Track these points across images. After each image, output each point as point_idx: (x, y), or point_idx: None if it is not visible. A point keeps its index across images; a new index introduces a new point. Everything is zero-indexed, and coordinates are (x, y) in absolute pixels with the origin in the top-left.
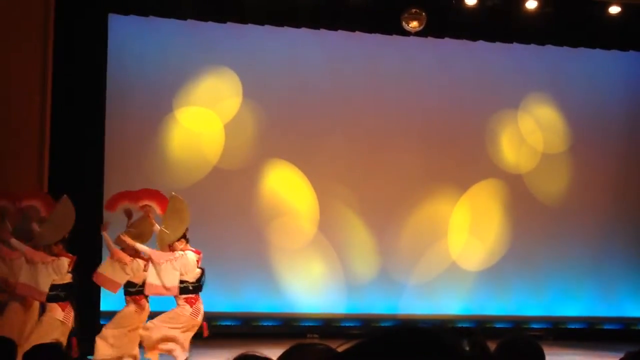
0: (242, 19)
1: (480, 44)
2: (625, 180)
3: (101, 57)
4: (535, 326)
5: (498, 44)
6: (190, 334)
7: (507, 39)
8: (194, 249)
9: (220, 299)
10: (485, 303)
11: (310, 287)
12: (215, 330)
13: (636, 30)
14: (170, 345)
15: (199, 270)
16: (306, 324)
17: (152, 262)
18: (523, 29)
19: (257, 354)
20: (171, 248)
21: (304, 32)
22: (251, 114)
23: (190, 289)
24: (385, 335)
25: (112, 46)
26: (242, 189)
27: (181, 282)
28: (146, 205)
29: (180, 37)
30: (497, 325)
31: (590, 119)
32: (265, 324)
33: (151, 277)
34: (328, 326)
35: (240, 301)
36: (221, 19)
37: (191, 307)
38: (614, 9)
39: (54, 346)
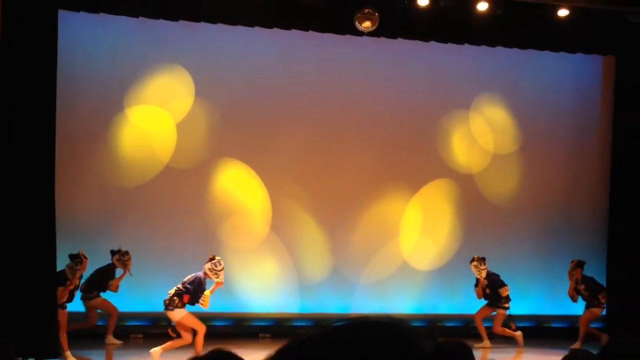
0: (195, 17)
1: (432, 44)
2: (574, 180)
3: (51, 54)
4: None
5: (450, 45)
6: None
7: (458, 40)
8: None
9: None
10: (436, 302)
11: (262, 286)
12: (166, 330)
13: (584, 32)
14: None
15: None
16: (258, 324)
17: None
18: (474, 31)
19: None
20: None
21: (257, 31)
22: (203, 113)
23: None
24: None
25: (62, 43)
26: (194, 188)
27: None
28: None
29: (131, 35)
30: (448, 324)
31: (540, 119)
32: (216, 324)
33: None
34: (280, 326)
35: None
36: (173, 17)
37: None
38: (563, 12)
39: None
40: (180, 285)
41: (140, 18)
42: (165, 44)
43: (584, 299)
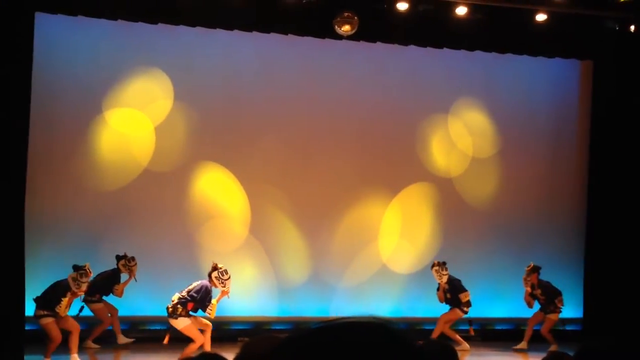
0: (174, 21)
1: (412, 48)
2: (552, 183)
3: (27, 57)
4: (463, 327)
5: (429, 49)
6: None
7: (437, 44)
8: None
9: (149, 302)
10: (415, 305)
11: (241, 290)
12: (145, 334)
13: (562, 37)
14: None
15: None
16: (237, 328)
17: None
18: (453, 35)
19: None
20: None
21: (236, 34)
22: (182, 116)
23: None
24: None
25: (39, 46)
26: (173, 191)
27: None
28: None
29: (110, 38)
30: (427, 327)
31: (518, 123)
32: None
33: None
34: (259, 329)
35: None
36: (152, 20)
37: None
38: (541, 17)
39: None
40: (185, 293)
41: (119, 21)
42: (144, 47)
43: (541, 304)
